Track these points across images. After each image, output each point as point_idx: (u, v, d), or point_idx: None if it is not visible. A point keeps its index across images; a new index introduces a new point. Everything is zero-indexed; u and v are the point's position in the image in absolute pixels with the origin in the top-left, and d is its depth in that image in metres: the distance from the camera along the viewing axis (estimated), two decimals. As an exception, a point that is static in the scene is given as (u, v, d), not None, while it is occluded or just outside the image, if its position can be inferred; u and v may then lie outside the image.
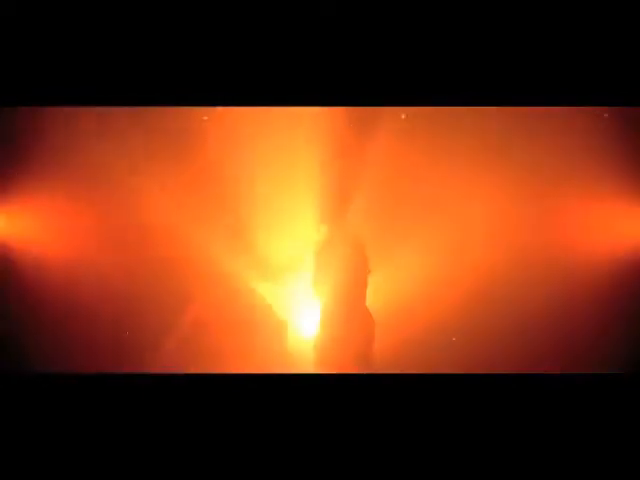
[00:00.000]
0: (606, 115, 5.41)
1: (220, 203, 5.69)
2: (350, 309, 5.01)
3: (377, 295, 5.22)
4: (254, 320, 5.81)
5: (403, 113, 5.63)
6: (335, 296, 5.00)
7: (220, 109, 5.53)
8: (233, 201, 5.68)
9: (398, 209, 5.70)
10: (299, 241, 5.48)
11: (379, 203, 5.62)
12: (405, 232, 5.63)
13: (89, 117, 5.50)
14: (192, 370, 5.25)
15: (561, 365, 5.17)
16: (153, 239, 5.62)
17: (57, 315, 5.48)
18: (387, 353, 5.24)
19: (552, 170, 5.53)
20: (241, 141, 5.67)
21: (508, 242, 5.54)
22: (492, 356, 5.37)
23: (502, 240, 5.55)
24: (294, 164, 5.46)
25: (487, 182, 5.56)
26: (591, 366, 5.08)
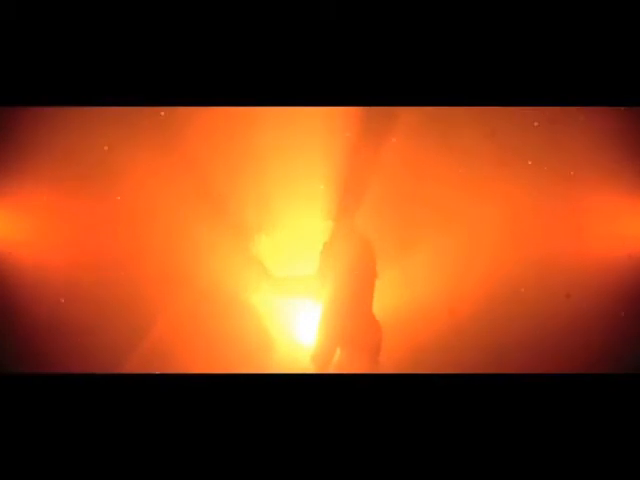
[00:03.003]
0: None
1: (223, 202, 5.48)
2: (354, 315, 4.73)
3: (384, 300, 4.97)
4: (244, 322, 5.56)
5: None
6: (338, 300, 4.72)
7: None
8: (236, 200, 5.50)
9: (408, 210, 5.54)
10: (304, 239, 5.32)
11: (389, 203, 5.46)
12: (415, 234, 5.49)
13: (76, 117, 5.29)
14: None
15: (576, 367, 5.07)
16: (148, 241, 5.42)
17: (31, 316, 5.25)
18: (394, 363, 5.01)
19: (567, 171, 5.46)
20: (247, 139, 5.51)
21: (522, 244, 5.44)
22: (506, 359, 5.22)
23: (516, 242, 5.45)
24: (302, 162, 5.36)
25: (500, 183, 5.47)
26: (606, 367, 4.99)
